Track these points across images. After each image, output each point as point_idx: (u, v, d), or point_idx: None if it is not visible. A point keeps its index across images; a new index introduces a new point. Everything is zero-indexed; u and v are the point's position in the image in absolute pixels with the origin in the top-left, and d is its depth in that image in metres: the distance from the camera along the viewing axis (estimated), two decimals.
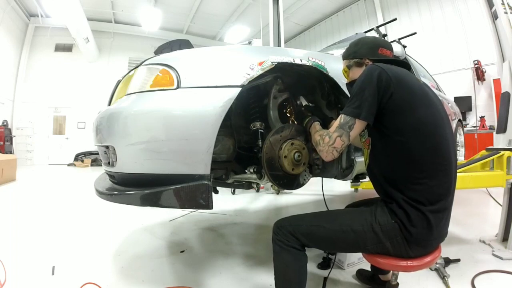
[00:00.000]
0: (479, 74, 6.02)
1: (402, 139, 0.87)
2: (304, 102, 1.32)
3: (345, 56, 1.15)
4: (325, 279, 1.33)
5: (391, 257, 0.91)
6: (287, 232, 0.96)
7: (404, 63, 1.06)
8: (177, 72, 1.02)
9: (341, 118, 0.93)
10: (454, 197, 0.94)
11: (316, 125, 1.14)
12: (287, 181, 1.20)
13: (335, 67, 1.30)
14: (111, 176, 1.21)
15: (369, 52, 1.08)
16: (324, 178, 1.61)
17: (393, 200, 0.90)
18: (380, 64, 0.94)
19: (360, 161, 1.44)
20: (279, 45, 4.92)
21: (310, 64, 1.23)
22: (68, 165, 9.02)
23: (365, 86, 0.90)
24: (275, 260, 0.98)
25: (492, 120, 5.77)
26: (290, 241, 0.95)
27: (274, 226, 1.01)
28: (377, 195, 1.05)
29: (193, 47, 1.81)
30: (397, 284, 1.12)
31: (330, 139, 0.94)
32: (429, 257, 0.91)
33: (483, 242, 1.86)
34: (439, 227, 0.88)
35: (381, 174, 0.95)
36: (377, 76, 0.89)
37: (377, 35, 2.57)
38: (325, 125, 1.21)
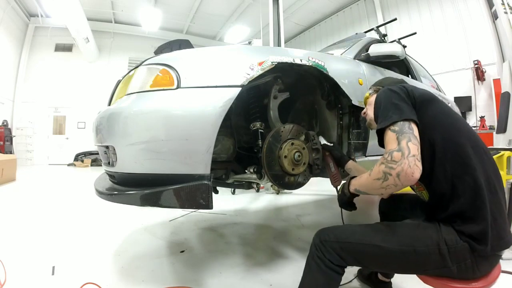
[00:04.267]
0: (479, 74, 6.02)
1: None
2: (323, 141, 1.32)
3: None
4: None
5: (450, 279, 0.78)
6: (331, 250, 0.82)
7: None
8: (177, 72, 1.02)
9: (389, 132, 0.78)
10: None
11: (350, 163, 1.18)
12: (287, 181, 1.21)
13: (335, 67, 1.30)
14: (111, 176, 1.21)
15: None
16: (323, 178, 1.61)
17: (457, 218, 0.76)
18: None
19: (361, 160, 1.44)
20: (279, 45, 4.93)
21: (310, 64, 1.23)
22: (68, 165, 9.02)
23: (390, 97, 0.84)
24: (306, 276, 0.88)
25: (492, 120, 5.76)
26: (332, 261, 0.82)
27: (316, 238, 0.87)
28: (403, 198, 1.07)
29: (193, 47, 1.80)
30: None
31: (401, 151, 0.72)
32: (494, 271, 0.80)
33: None
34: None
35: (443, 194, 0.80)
36: (399, 88, 0.86)
37: (377, 35, 2.58)
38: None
